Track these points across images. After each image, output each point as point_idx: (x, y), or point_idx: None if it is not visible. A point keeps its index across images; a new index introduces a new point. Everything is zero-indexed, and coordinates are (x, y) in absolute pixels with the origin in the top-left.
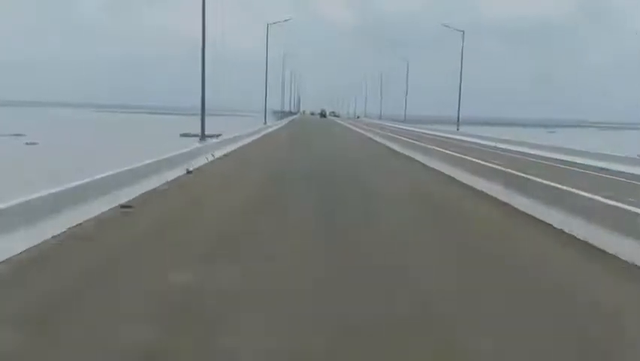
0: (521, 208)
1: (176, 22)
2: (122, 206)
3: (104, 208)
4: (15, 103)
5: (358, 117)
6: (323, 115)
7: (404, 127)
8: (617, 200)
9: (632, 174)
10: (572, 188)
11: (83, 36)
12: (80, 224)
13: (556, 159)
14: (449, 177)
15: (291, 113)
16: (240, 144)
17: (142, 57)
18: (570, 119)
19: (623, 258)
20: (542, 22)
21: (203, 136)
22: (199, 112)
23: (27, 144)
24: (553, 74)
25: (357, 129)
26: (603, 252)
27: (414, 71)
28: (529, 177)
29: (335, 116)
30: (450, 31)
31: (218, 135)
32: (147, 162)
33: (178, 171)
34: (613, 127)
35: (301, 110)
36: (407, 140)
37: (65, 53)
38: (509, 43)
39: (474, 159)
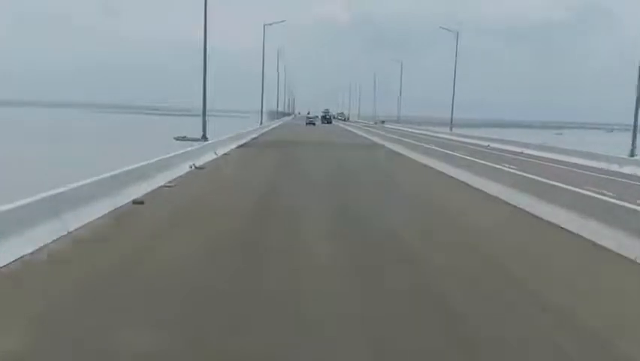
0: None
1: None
2: None
3: None
4: (15, 103)
5: (383, 122)
6: (327, 119)
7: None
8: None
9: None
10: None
11: (84, 39)
12: None
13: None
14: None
15: (284, 115)
16: None
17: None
18: (573, 122)
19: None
20: (544, 22)
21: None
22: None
23: None
24: (554, 76)
25: None
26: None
27: (412, 70)
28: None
29: (342, 119)
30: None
31: None
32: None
33: None
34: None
35: (296, 111)
36: None
37: (68, 55)
38: (510, 42)
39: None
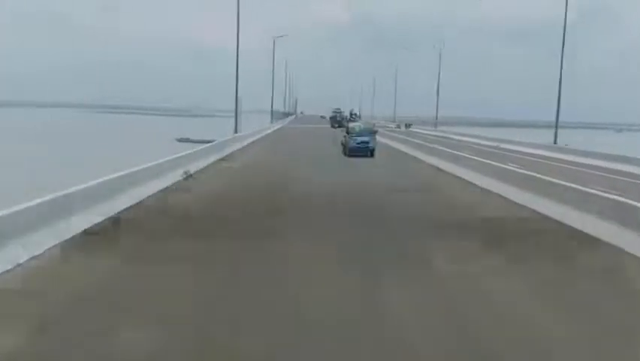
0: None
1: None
2: None
3: None
4: (16, 103)
5: (408, 126)
6: (337, 121)
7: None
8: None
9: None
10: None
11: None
12: None
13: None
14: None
15: (285, 115)
16: None
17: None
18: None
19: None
20: (543, 21)
21: None
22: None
23: None
24: (552, 75)
25: None
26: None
27: (412, 70)
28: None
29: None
30: (450, 30)
31: None
32: None
33: None
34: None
35: (298, 111)
36: None
37: (68, 55)
38: (510, 41)
39: None
